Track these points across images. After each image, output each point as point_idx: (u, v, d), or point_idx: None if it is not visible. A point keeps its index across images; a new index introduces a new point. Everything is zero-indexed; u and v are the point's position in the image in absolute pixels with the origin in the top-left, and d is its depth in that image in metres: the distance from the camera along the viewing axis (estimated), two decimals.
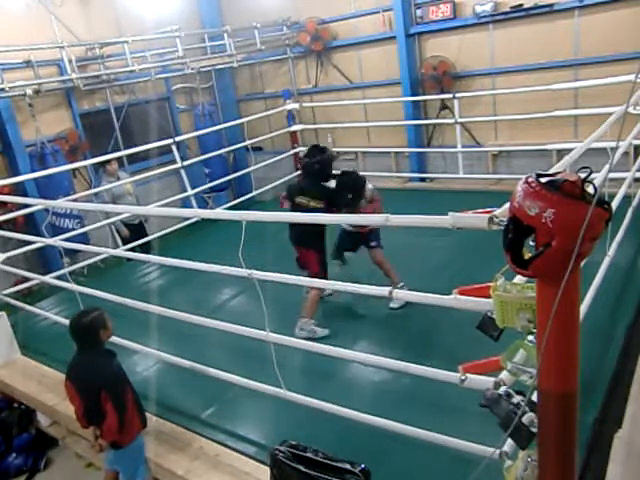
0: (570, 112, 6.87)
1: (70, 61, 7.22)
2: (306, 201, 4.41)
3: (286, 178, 8.22)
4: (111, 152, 7.19)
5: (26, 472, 4.65)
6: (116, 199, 6.59)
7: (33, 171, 6.65)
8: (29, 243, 5.39)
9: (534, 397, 1.92)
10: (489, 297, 2.01)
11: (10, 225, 6.10)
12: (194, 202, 7.32)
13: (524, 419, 1.93)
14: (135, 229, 6.78)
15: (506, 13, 7.16)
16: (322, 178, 4.48)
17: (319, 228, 4.38)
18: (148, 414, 3.32)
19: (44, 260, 7.23)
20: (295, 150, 8.73)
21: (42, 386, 4.29)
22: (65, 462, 4.68)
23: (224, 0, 9.88)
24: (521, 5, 7.02)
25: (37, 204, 5.55)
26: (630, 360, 3.39)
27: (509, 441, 2.14)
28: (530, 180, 1.59)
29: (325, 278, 4.40)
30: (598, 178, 1.98)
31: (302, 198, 4.44)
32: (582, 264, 1.63)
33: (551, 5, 6.82)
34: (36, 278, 5.35)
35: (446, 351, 3.76)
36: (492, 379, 2.20)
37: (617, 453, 2.67)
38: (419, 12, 7.88)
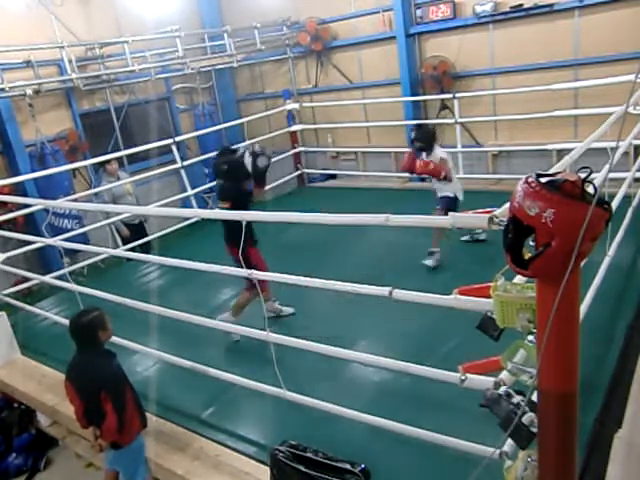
0: (570, 112, 6.86)
1: (70, 61, 7.22)
2: (222, 204, 4.32)
3: (286, 178, 8.22)
4: (111, 152, 7.17)
5: (26, 472, 4.65)
6: (116, 199, 6.59)
7: (33, 171, 6.65)
8: (29, 243, 5.40)
9: (534, 397, 1.92)
10: (489, 297, 2.01)
11: (10, 225, 6.09)
12: (194, 202, 7.34)
13: (524, 419, 1.93)
14: (135, 229, 6.77)
15: (506, 13, 7.16)
16: (230, 179, 4.35)
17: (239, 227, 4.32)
18: (148, 414, 3.32)
19: (44, 260, 7.23)
20: (295, 150, 8.73)
21: (42, 386, 4.29)
22: (65, 462, 4.68)
23: (224, 0, 9.88)
24: (521, 5, 7.02)
25: (37, 204, 5.56)
26: (630, 360, 3.39)
27: (509, 441, 2.14)
28: (530, 180, 1.59)
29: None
30: (598, 178, 1.99)
31: (219, 202, 4.39)
32: (582, 264, 1.63)
33: (551, 5, 6.81)
34: (36, 278, 5.35)
35: (446, 351, 3.77)
36: (492, 379, 2.20)
37: (617, 453, 2.67)
38: (419, 12, 7.88)
